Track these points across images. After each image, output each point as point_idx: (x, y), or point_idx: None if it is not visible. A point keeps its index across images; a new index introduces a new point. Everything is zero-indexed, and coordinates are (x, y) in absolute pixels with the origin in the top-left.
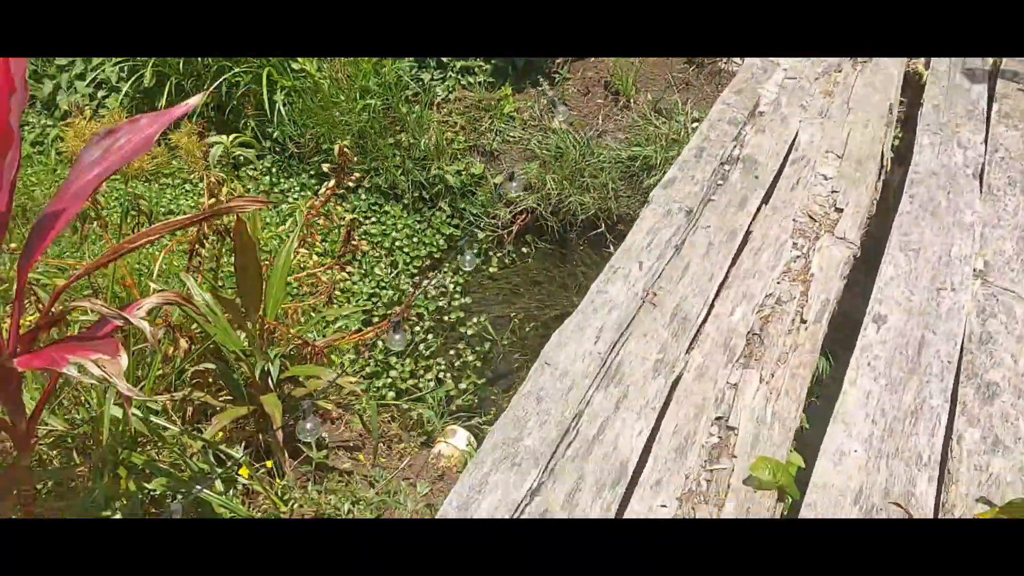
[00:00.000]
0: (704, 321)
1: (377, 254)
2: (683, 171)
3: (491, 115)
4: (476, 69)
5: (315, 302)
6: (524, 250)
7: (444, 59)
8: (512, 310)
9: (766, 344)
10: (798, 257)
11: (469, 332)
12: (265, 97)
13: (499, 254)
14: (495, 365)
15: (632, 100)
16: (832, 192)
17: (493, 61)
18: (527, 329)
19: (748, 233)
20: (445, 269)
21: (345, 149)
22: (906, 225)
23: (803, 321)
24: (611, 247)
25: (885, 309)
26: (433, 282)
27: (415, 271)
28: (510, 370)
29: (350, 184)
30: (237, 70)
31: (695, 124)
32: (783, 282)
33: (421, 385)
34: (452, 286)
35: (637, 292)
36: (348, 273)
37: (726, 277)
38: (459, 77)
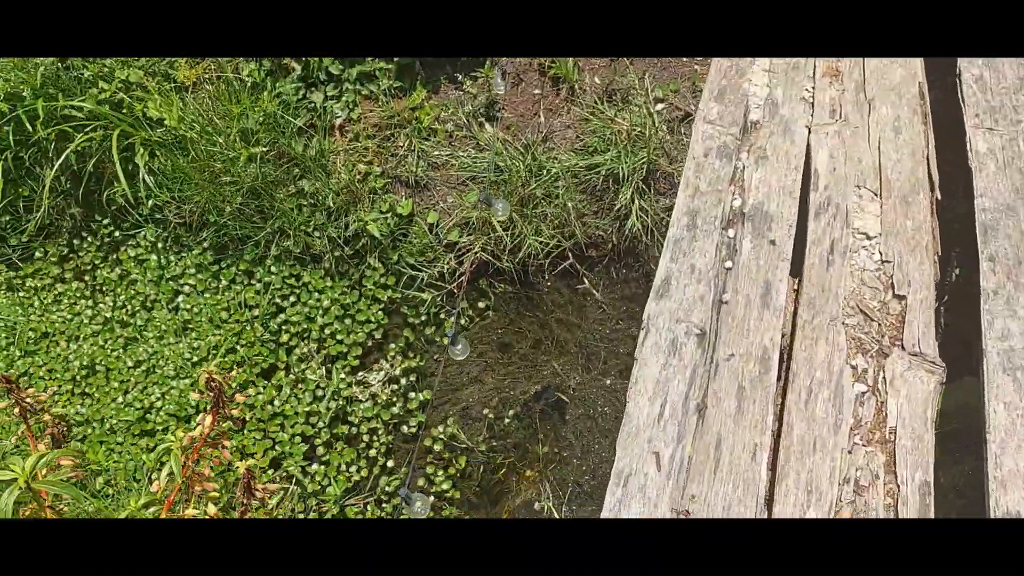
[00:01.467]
0: None
1: (305, 349)
2: (677, 260)
3: (407, 132)
4: (377, 72)
5: None
6: (481, 304)
7: (333, 70)
8: (483, 395)
9: None
10: (865, 394)
11: (436, 447)
12: (119, 169)
13: (452, 314)
14: (477, 482)
15: (576, 86)
16: (882, 263)
17: (396, 59)
18: (506, 420)
19: (786, 358)
20: (393, 354)
21: (215, 376)
22: (999, 319)
23: None
24: (585, 280)
25: (1015, 500)
26: (379, 376)
27: (355, 362)
28: (496, 485)
29: (233, 413)
30: (80, 138)
31: (659, 107)
32: (856, 450)
33: None
34: (404, 380)
35: (665, 515)
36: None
37: (775, 451)
38: (358, 88)
